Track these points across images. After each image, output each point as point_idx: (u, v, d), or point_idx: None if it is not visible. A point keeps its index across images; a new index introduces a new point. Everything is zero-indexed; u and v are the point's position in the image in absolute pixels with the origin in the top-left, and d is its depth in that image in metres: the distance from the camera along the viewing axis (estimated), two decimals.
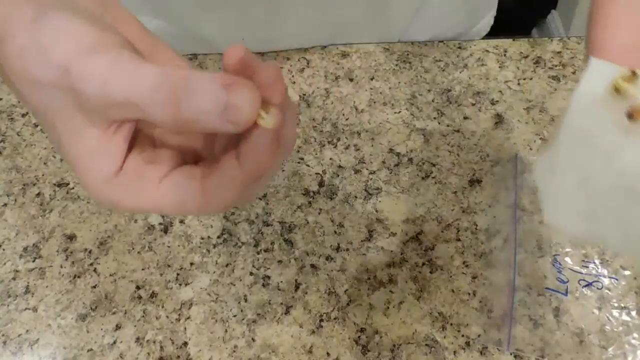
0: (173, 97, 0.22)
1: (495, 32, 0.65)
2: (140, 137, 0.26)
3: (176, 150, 0.27)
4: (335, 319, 0.44)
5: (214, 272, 0.47)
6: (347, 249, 0.48)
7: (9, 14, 0.25)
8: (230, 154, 0.25)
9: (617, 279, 0.45)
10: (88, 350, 0.44)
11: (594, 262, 0.45)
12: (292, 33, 0.58)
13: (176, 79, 0.23)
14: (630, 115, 0.24)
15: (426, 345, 0.43)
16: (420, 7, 0.59)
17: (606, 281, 0.45)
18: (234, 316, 0.45)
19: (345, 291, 0.46)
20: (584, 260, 0.45)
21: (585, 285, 0.44)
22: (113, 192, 0.25)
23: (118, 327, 0.45)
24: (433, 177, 0.51)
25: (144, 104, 0.23)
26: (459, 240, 0.48)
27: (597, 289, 0.44)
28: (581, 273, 0.45)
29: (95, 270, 0.47)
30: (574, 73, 0.57)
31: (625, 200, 0.25)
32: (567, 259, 0.45)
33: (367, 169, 0.52)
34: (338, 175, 0.52)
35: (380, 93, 0.57)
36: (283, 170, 0.52)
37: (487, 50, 0.59)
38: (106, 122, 0.24)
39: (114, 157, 0.25)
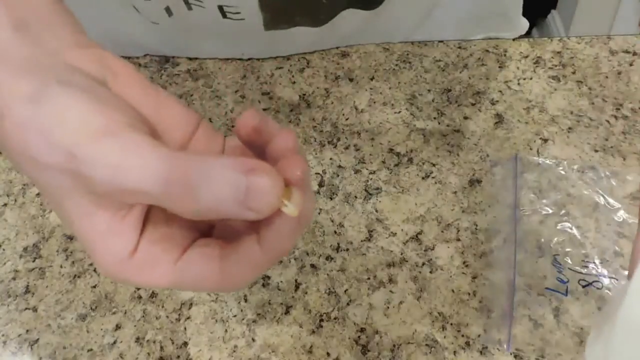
0: (189, 188, 0.21)
1: None
2: (153, 213, 0.25)
3: (190, 221, 0.25)
4: (335, 319, 0.44)
5: None
6: (347, 249, 0.48)
7: (2, 82, 0.23)
8: (250, 236, 0.24)
9: (617, 279, 0.45)
10: (88, 350, 0.44)
11: (594, 262, 0.45)
12: (294, 43, 0.58)
13: (191, 166, 0.21)
14: None
15: (426, 345, 0.43)
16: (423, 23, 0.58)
17: (606, 281, 0.45)
18: (234, 316, 0.45)
19: (345, 291, 0.46)
20: (584, 260, 0.45)
21: (585, 285, 0.44)
22: (127, 272, 0.24)
23: (118, 327, 0.45)
24: (433, 177, 0.51)
25: (157, 194, 0.21)
26: (459, 240, 0.48)
27: (597, 289, 0.44)
28: (581, 273, 0.45)
29: (95, 270, 0.47)
30: (574, 73, 0.57)
31: None
32: (567, 259, 0.45)
33: (367, 169, 0.52)
34: (338, 175, 0.52)
35: (380, 93, 0.57)
36: None
37: (487, 50, 0.59)
38: (117, 206, 0.23)
39: (126, 240, 0.24)
